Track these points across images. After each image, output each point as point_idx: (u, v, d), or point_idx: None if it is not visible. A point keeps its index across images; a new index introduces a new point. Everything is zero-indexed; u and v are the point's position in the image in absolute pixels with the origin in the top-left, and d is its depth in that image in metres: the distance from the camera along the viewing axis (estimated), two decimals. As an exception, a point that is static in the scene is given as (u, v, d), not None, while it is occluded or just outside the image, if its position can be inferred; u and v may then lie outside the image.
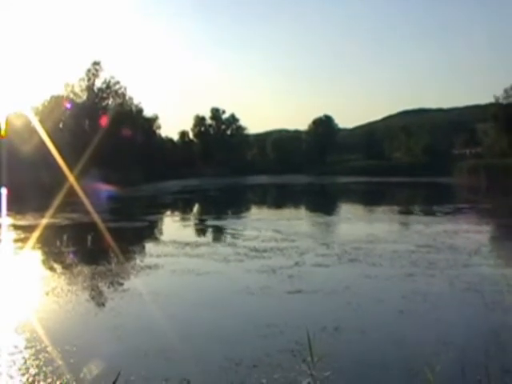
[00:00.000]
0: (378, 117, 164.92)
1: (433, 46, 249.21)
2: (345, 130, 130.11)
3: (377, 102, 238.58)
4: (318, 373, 6.81)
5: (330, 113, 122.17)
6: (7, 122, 51.26)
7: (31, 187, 38.51)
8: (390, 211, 29.65)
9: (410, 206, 34.26)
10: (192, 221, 26.95)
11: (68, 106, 71.01)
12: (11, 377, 6.76)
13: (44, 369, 6.97)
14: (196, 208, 38.29)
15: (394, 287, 11.54)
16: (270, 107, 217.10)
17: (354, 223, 24.13)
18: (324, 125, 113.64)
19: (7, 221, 25.05)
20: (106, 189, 41.13)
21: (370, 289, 11.44)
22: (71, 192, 31.46)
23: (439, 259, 14.35)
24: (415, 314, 9.54)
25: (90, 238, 18.55)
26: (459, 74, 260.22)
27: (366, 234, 19.42)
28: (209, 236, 20.29)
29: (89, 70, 77.39)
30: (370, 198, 45.29)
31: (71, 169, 37.38)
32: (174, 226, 23.69)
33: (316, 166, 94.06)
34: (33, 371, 6.91)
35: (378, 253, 15.32)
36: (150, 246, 18.49)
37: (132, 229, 23.00)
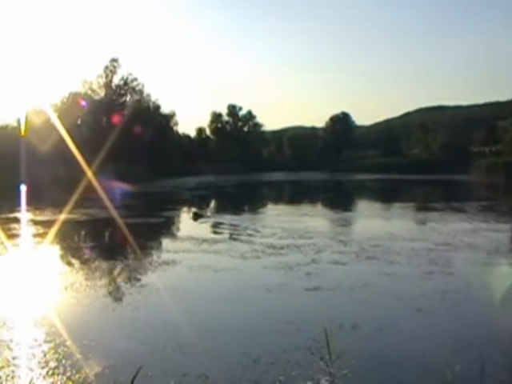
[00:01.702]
0: (396, 114, 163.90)
1: (451, 42, 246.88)
2: (362, 127, 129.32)
3: (395, 99, 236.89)
4: (336, 370, 6.80)
5: (347, 110, 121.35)
6: (27, 121, 51.70)
7: (49, 183, 38.82)
8: (407, 208, 29.46)
9: (427, 203, 34.00)
10: (208, 217, 26.98)
11: (83, 103, 71.44)
12: (31, 369, 6.83)
13: (63, 362, 7.03)
14: (212, 204, 38.36)
15: (411, 285, 11.46)
16: (286, 104, 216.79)
17: (370, 220, 24.00)
18: (341, 122, 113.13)
19: (27, 216, 25.32)
20: (121, 185, 41.32)
21: (388, 286, 11.38)
22: (88, 188, 31.67)
23: (458, 258, 14.23)
24: (433, 312, 9.46)
25: (107, 233, 18.63)
26: (479, 70, 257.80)
27: (384, 231, 19.32)
28: (225, 232, 20.30)
29: (107, 67, 77.91)
30: (387, 195, 45.03)
31: (89, 165, 37.63)
32: (190, 223, 23.74)
33: (333, 163, 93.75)
34: (52, 364, 6.97)
35: (395, 250, 15.22)
36: (166, 242, 18.56)
37: (149, 225, 23.10)
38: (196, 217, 24.80)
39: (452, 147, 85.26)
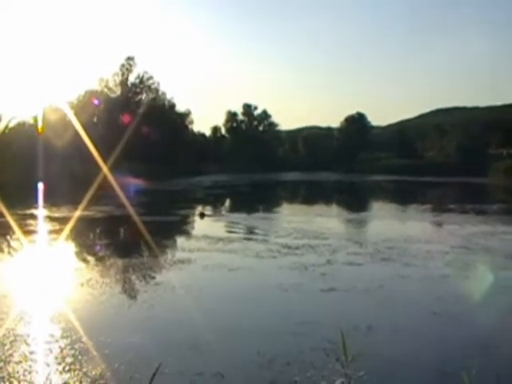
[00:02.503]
0: (412, 115, 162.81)
1: (468, 42, 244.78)
2: (377, 127, 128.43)
3: (410, 100, 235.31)
4: (352, 372, 6.76)
5: (362, 110, 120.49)
6: (44, 118, 52.09)
7: (66, 180, 39.09)
8: (422, 210, 29.29)
9: (443, 205, 33.73)
10: (223, 216, 27.03)
11: (96, 102, 71.81)
12: (48, 365, 6.88)
13: (79, 358, 7.07)
14: (227, 203, 38.41)
15: (427, 288, 11.37)
16: (302, 104, 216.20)
17: (386, 221, 23.88)
18: (356, 122, 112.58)
19: (43, 212, 25.54)
20: (136, 183, 41.51)
21: (404, 289, 11.32)
22: (104, 185, 31.85)
23: (474, 261, 14.11)
24: (449, 315, 9.38)
25: (122, 231, 18.76)
26: (497, 71, 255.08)
27: (399, 232, 19.23)
28: (240, 232, 20.31)
29: (123, 65, 78.30)
30: (402, 196, 44.77)
31: (104, 162, 37.83)
32: (205, 221, 23.79)
33: (348, 164, 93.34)
34: (69, 360, 7.02)
35: (411, 252, 15.13)
36: (182, 241, 18.62)
37: (164, 223, 23.18)
38: (202, 216, 25.42)
39: (468, 149, 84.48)
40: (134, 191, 36.29)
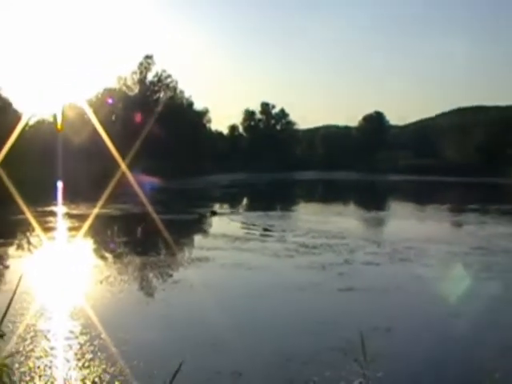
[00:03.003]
0: (431, 114, 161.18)
1: (489, 39, 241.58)
2: (396, 127, 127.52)
3: (429, 99, 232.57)
4: (370, 373, 6.73)
5: (380, 109, 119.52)
6: (63, 116, 52.54)
7: (84, 177, 39.42)
8: (441, 210, 29.04)
9: (462, 206, 33.39)
10: (241, 215, 27.05)
11: (110, 100, 72.21)
12: (68, 360, 6.94)
13: (99, 354, 7.12)
14: (245, 202, 38.43)
15: (447, 289, 11.25)
16: (319, 103, 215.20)
17: (404, 221, 23.72)
18: (375, 121, 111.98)
19: (62, 210, 25.77)
20: (154, 181, 41.67)
21: (423, 290, 11.23)
22: (122, 183, 32.03)
23: (495, 262, 13.94)
24: (470, 316, 9.28)
25: (140, 228, 18.85)
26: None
27: (417, 233, 19.09)
28: (258, 230, 20.30)
29: (141, 64, 78.66)
30: (421, 196, 44.39)
31: (122, 160, 38.05)
32: (223, 220, 23.83)
33: (365, 163, 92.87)
34: (88, 356, 7.07)
35: (430, 253, 15.01)
36: (199, 239, 18.67)
37: (182, 221, 23.26)
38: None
39: (489, 149, 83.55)
40: (151, 189, 36.47)
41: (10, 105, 48.77)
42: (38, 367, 6.67)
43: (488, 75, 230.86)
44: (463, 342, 8.13)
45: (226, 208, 31.73)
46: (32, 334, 7.87)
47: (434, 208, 30.69)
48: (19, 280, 2.76)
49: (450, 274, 12.44)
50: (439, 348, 7.92)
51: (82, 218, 21.86)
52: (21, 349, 7.20)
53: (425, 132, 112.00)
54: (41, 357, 7.02)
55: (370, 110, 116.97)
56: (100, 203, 25.60)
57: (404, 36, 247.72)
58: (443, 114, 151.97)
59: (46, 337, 7.80)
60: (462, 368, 7.04)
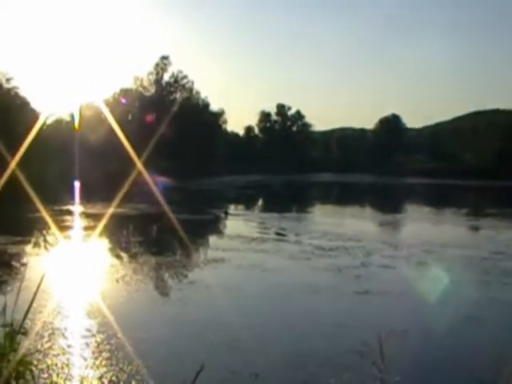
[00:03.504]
0: (447, 117, 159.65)
1: (506, 42, 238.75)
2: (412, 129, 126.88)
3: (446, 102, 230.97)
4: (388, 376, 6.67)
5: (397, 112, 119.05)
6: (81, 115, 52.95)
7: (101, 176, 39.68)
8: (458, 214, 28.78)
9: (479, 210, 33.10)
10: (256, 216, 27.03)
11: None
12: (85, 359, 6.96)
13: (116, 353, 7.13)
14: (260, 203, 38.40)
15: (465, 293, 11.15)
16: (335, 105, 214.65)
17: (420, 225, 23.55)
18: (391, 124, 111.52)
19: (79, 209, 25.94)
20: (168, 180, 41.78)
21: (440, 294, 11.09)
22: (137, 182, 32.13)
23: (513, 267, 13.79)
24: (488, 321, 9.18)
25: (156, 228, 18.89)
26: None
27: (434, 236, 18.92)
28: (274, 232, 20.26)
29: (157, 64, 79.06)
30: (438, 199, 44.11)
31: (138, 160, 38.19)
32: (238, 221, 23.83)
33: (381, 166, 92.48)
34: (105, 355, 7.08)
35: (447, 257, 14.87)
36: (215, 240, 18.67)
37: (198, 221, 23.29)
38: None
39: (506, 152, 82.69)
40: (166, 188, 36.52)
41: (27, 104, 49.24)
42: (56, 365, 6.69)
43: (504, 78, 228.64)
44: (481, 345, 8.03)
45: (241, 209, 31.75)
46: (49, 331, 7.89)
47: (451, 211, 30.44)
48: (41, 279, 2.75)
49: (468, 279, 12.32)
50: (456, 351, 7.83)
51: (98, 217, 21.97)
52: (39, 346, 7.23)
53: (441, 135, 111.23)
54: (58, 355, 7.04)
55: (386, 113, 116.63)
56: (116, 202, 25.68)
57: (421, 39, 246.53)
58: (459, 118, 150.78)
59: (63, 335, 7.83)
60: (478, 372, 6.94)
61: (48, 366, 6.61)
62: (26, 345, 2.56)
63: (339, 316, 9.27)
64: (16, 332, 2.34)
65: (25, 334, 2.49)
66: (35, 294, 2.66)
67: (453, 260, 14.44)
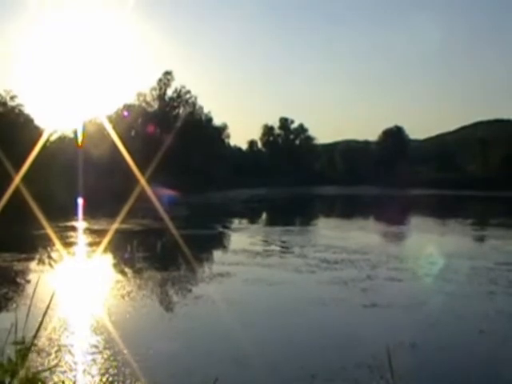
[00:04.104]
0: (451, 128, 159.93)
1: (508, 51, 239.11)
2: (416, 141, 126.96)
3: (450, 113, 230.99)
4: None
5: (400, 123, 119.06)
6: (84, 132, 53.12)
7: (104, 193, 39.80)
8: (464, 225, 28.67)
9: (485, 220, 33.02)
10: (261, 230, 27.00)
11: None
12: (92, 376, 6.93)
13: (123, 369, 7.10)
14: (264, 217, 38.37)
15: (472, 305, 11.10)
16: (338, 117, 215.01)
17: (426, 237, 23.46)
18: (395, 135, 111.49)
19: (82, 225, 25.95)
20: (173, 196, 41.82)
21: (447, 306, 11.04)
22: (141, 198, 32.19)
23: (521, 278, 13.71)
24: (497, 333, 9.10)
25: (161, 244, 18.91)
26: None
27: (440, 248, 18.82)
28: (278, 246, 20.23)
29: (160, 80, 79.39)
30: (443, 211, 43.94)
31: (142, 175, 38.30)
32: (243, 235, 23.80)
33: (385, 178, 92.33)
34: (112, 371, 7.05)
35: (453, 268, 14.79)
36: (220, 254, 18.64)
37: (203, 236, 23.27)
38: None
39: (511, 162, 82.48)
40: (170, 202, 36.56)
41: (31, 121, 49.52)
42: (63, 382, 6.66)
43: (508, 89, 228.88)
44: (492, 358, 7.96)
45: (245, 223, 31.71)
46: (56, 348, 7.88)
47: (457, 222, 30.34)
48: (52, 296, 2.75)
49: (475, 291, 12.25)
50: (467, 365, 7.78)
51: (102, 233, 21.96)
52: (45, 363, 7.20)
53: (445, 146, 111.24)
54: (65, 371, 7.02)
55: (389, 125, 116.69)
56: (120, 218, 25.74)
57: (423, 50, 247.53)
58: (463, 128, 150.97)
59: (69, 351, 7.81)
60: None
61: (55, 384, 6.59)
62: (35, 362, 2.56)
63: (346, 329, 9.23)
64: (28, 349, 2.33)
65: (38, 351, 2.50)
66: (46, 311, 2.66)
67: (459, 271, 14.36)
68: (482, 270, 14.55)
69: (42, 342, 7.85)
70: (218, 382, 6.74)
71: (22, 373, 2.46)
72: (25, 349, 2.31)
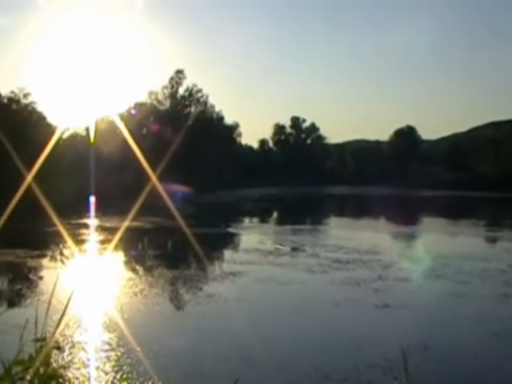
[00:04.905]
0: (464, 128, 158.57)
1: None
2: (428, 141, 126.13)
3: (462, 113, 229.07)
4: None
5: (412, 123, 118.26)
6: (96, 129, 53.34)
7: (116, 190, 39.94)
8: (476, 226, 28.50)
9: (498, 221, 32.79)
10: (272, 229, 27.01)
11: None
12: (106, 373, 6.96)
13: (136, 367, 7.13)
14: (276, 216, 38.36)
15: (485, 307, 11.02)
16: (349, 117, 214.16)
17: (438, 238, 23.32)
18: (406, 136, 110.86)
19: (94, 222, 26.07)
20: (184, 194, 41.89)
21: (460, 307, 10.98)
22: (153, 196, 32.24)
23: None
24: (510, 336, 9.05)
25: (173, 242, 18.94)
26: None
27: (452, 249, 18.77)
28: (290, 245, 20.22)
29: (172, 78, 79.49)
30: (455, 211, 43.68)
31: (153, 173, 38.36)
32: (254, 234, 23.81)
33: (397, 178, 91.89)
34: (126, 369, 7.08)
35: (466, 270, 14.71)
36: (232, 253, 18.65)
37: (214, 235, 23.31)
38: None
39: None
40: (183, 200, 36.61)
41: (44, 119, 49.87)
42: (77, 378, 6.71)
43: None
44: (504, 362, 7.91)
45: (256, 222, 31.74)
46: (70, 345, 7.92)
47: (469, 223, 30.16)
48: (70, 296, 2.76)
49: (488, 292, 12.17)
50: (481, 368, 7.73)
51: (114, 230, 22.06)
52: (60, 360, 7.25)
53: (458, 146, 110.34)
54: (79, 368, 7.06)
55: (400, 125, 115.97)
56: (131, 216, 25.81)
57: (434, 50, 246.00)
58: (476, 128, 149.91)
59: (83, 348, 7.85)
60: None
61: (69, 381, 6.62)
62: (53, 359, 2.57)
63: (359, 330, 9.19)
64: (49, 346, 2.35)
65: (59, 348, 2.51)
66: (65, 308, 2.67)
67: (472, 273, 14.28)
68: (494, 272, 14.46)
69: (56, 338, 7.89)
70: (229, 379, 6.76)
71: (42, 369, 2.48)
72: (47, 346, 2.33)
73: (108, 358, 7.48)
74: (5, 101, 48.21)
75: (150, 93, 78.76)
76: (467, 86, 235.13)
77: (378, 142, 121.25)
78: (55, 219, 19.85)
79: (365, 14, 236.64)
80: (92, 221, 27.13)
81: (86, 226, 25.23)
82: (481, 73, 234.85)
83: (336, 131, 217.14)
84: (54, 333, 2.64)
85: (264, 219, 33.28)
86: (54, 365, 2.42)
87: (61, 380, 2.42)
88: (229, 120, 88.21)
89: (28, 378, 2.39)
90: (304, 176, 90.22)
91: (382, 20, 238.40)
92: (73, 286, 10.64)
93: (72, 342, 8.08)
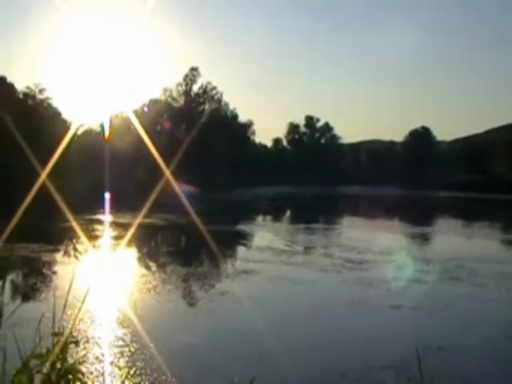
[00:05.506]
0: (480, 130, 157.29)
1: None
2: (443, 142, 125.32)
3: (479, 114, 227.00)
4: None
5: (427, 124, 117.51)
6: (111, 126, 53.58)
7: (130, 186, 40.11)
8: (491, 229, 28.24)
9: (513, 224, 32.45)
10: (286, 228, 26.96)
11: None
12: (120, 368, 6.98)
13: (149, 363, 7.14)
14: (289, 215, 38.30)
15: (500, 310, 10.91)
16: (363, 117, 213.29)
17: (453, 239, 23.17)
18: (421, 137, 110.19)
19: (108, 218, 26.20)
20: (196, 190, 41.94)
21: (475, 310, 10.89)
22: (166, 193, 32.32)
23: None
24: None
25: (186, 239, 18.97)
26: None
27: (467, 251, 18.62)
28: (304, 244, 20.17)
29: (186, 75, 79.61)
30: (470, 213, 43.29)
31: (167, 170, 38.46)
32: (268, 232, 23.79)
33: (411, 179, 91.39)
34: (139, 364, 7.09)
35: (481, 272, 14.57)
36: (246, 251, 18.64)
37: (227, 232, 23.30)
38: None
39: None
40: (193, 198, 36.62)
41: (59, 114, 50.18)
42: (91, 373, 6.74)
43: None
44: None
45: (270, 220, 31.71)
46: (84, 340, 7.95)
47: (484, 225, 29.89)
48: (87, 291, 2.76)
49: (504, 296, 12.05)
50: (494, 371, 7.65)
51: (127, 226, 22.14)
52: (74, 355, 7.28)
53: (473, 148, 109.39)
54: (93, 363, 7.08)
55: (415, 125, 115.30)
56: (145, 212, 25.89)
57: (451, 51, 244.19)
58: (492, 130, 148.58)
59: (97, 343, 7.88)
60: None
61: (83, 375, 6.63)
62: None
63: (372, 330, 9.14)
64: (67, 341, 2.34)
65: (76, 343, 2.50)
66: (82, 304, 2.67)
67: (486, 275, 14.14)
68: (510, 275, 14.31)
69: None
70: (241, 378, 6.74)
71: (59, 363, 2.48)
72: (65, 340, 2.33)
73: (122, 353, 7.50)
74: (20, 96, 48.55)
75: (165, 90, 79.00)
76: (484, 88, 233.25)
77: (392, 143, 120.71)
78: (69, 215, 19.99)
79: (378, 14, 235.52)
80: (106, 217, 27.28)
81: (100, 221, 25.36)
82: (498, 74, 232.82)
83: (351, 131, 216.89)
84: (72, 327, 2.63)
85: (277, 218, 33.25)
86: (70, 359, 2.43)
87: (78, 375, 2.42)
88: (243, 118, 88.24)
89: (45, 371, 2.39)
90: (318, 175, 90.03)
91: (397, 20, 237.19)
92: (87, 282, 10.74)
93: (86, 336, 8.11)
